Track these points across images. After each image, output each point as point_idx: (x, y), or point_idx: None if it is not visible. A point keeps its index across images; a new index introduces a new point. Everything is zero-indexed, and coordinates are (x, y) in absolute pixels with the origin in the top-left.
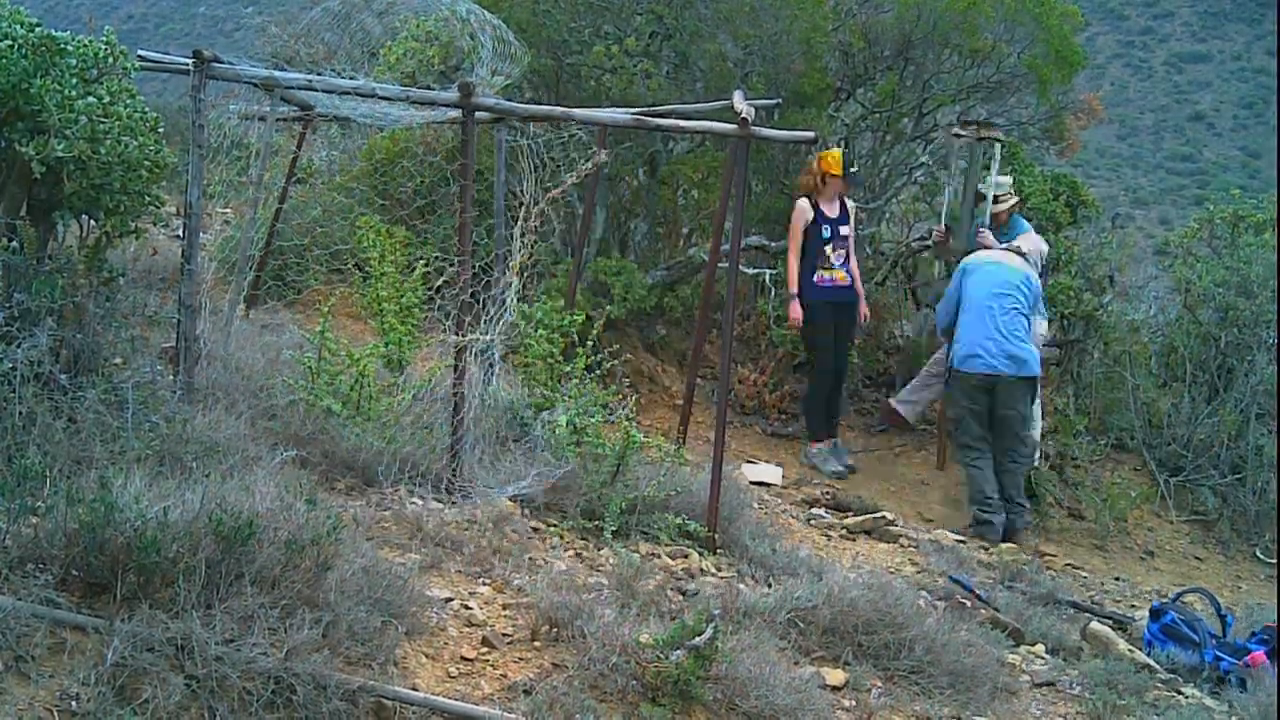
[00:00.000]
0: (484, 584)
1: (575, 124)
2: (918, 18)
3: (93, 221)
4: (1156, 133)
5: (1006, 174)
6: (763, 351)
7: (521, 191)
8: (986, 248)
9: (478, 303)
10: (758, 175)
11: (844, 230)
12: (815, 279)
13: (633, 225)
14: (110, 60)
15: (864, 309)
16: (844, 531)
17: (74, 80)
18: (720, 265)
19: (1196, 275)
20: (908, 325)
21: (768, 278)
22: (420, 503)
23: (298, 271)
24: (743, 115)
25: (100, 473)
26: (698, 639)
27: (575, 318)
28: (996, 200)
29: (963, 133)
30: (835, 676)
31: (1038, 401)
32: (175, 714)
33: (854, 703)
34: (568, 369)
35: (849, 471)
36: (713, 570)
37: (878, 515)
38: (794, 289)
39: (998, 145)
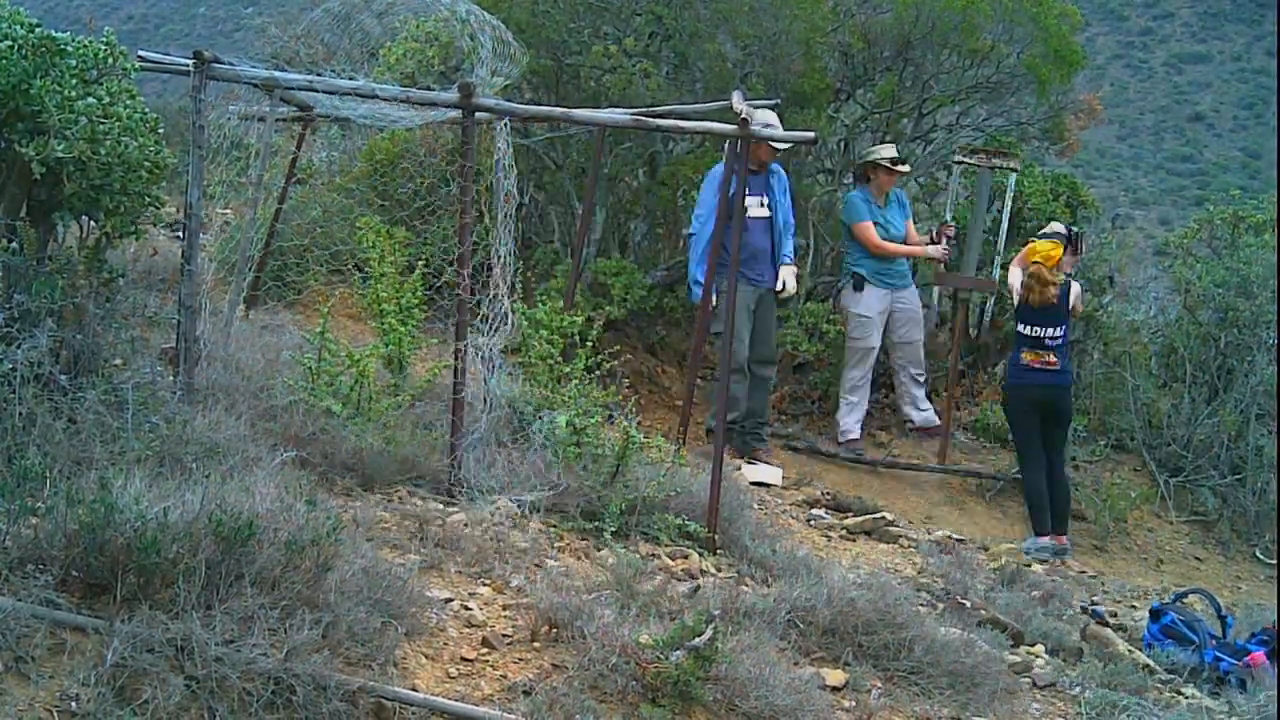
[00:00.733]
0: (484, 584)
1: (575, 124)
2: (917, 18)
3: (93, 222)
4: (1156, 133)
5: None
6: None
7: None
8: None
9: (477, 303)
10: None
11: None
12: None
13: (632, 226)
14: (110, 61)
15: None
16: (844, 532)
17: (74, 81)
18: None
19: (1196, 276)
20: None
21: None
22: (420, 503)
23: (298, 272)
24: (742, 116)
25: (100, 473)
26: (698, 639)
27: (574, 319)
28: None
29: (968, 159)
30: (835, 677)
31: None
32: (175, 715)
33: (854, 703)
34: (567, 370)
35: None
36: (713, 570)
37: (878, 516)
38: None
39: (1012, 175)
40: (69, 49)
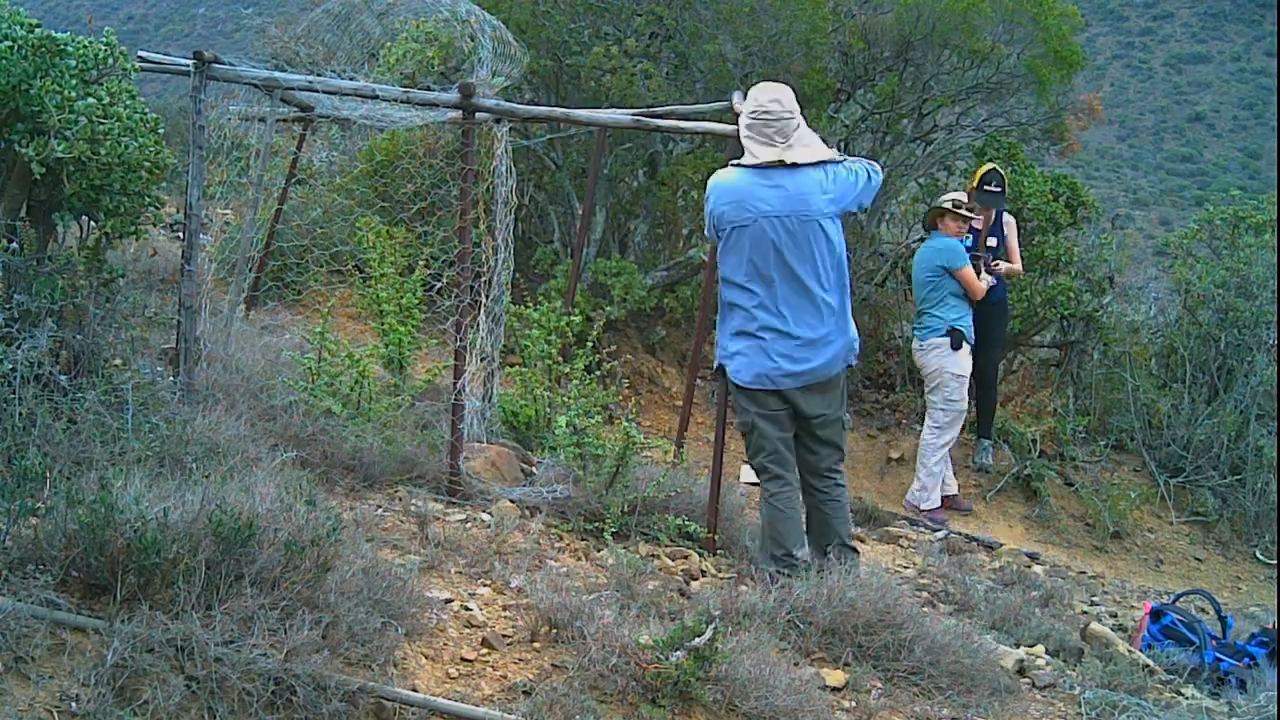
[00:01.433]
0: (484, 585)
1: (575, 125)
2: (917, 19)
3: (93, 222)
4: (1156, 133)
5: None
6: None
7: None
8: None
9: (477, 304)
10: None
11: (990, 241)
12: None
13: (633, 226)
14: (110, 61)
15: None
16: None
17: (74, 81)
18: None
19: (1196, 276)
20: (908, 326)
21: None
22: (420, 504)
23: (298, 273)
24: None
25: (100, 474)
26: (697, 640)
27: (573, 320)
28: None
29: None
30: (835, 677)
31: None
32: (175, 715)
33: (854, 704)
34: (567, 370)
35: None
36: (713, 571)
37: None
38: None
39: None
40: (69, 49)
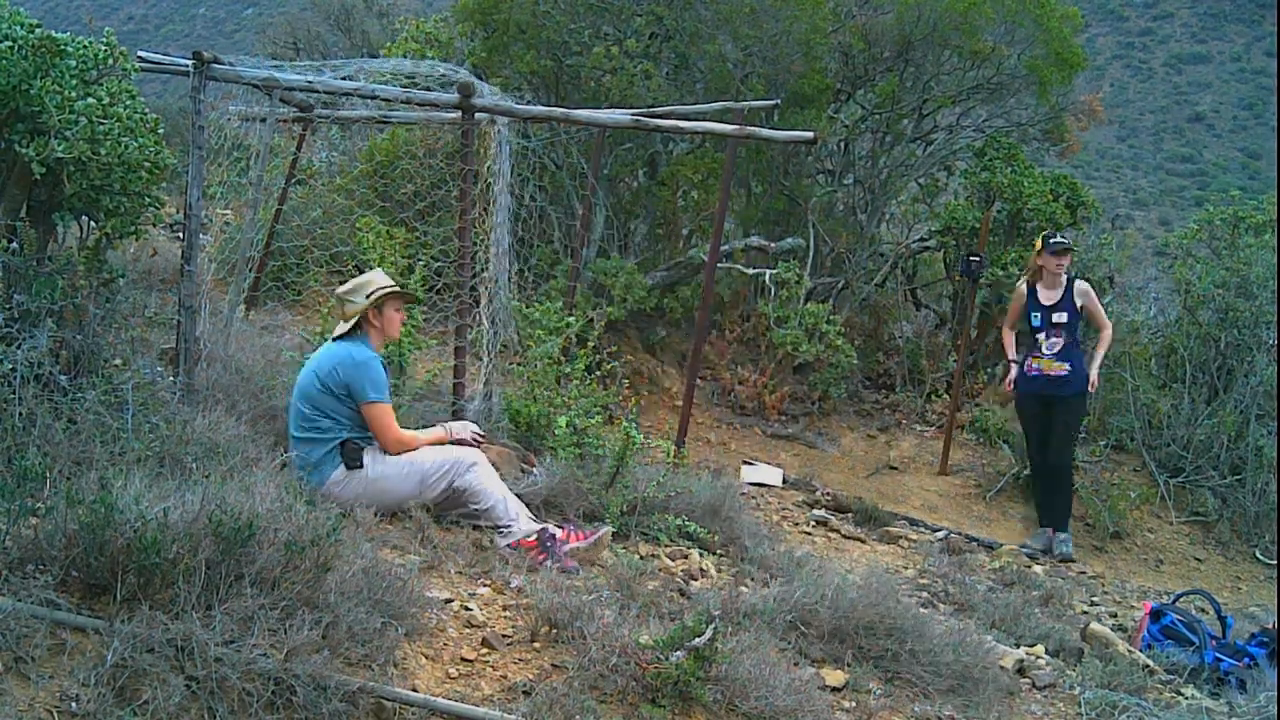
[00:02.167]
0: (484, 585)
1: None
2: (917, 19)
3: (93, 223)
4: (1156, 134)
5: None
6: (763, 353)
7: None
8: None
9: (477, 303)
10: (757, 176)
11: (1058, 317)
12: (1025, 367)
13: (633, 226)
14: (110, 61)
15: (1093, 378)
16: (844, 533)
17: (74, 81)
18: (720, 265)
19: (1196, 276)
20: (908, 326)
21: (768, 278)
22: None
23: (297, 273)
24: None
25: (100, 474)
26: (698, 640)
27: (573, 320)
28: None
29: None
30: (835, 677)
31: None
32: (175, 715)
33: (854, 704)
34: (567, 370)
35: (1063, 558)
36: (713, 571)
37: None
38: (1010, 355)
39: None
40: (69, 49)
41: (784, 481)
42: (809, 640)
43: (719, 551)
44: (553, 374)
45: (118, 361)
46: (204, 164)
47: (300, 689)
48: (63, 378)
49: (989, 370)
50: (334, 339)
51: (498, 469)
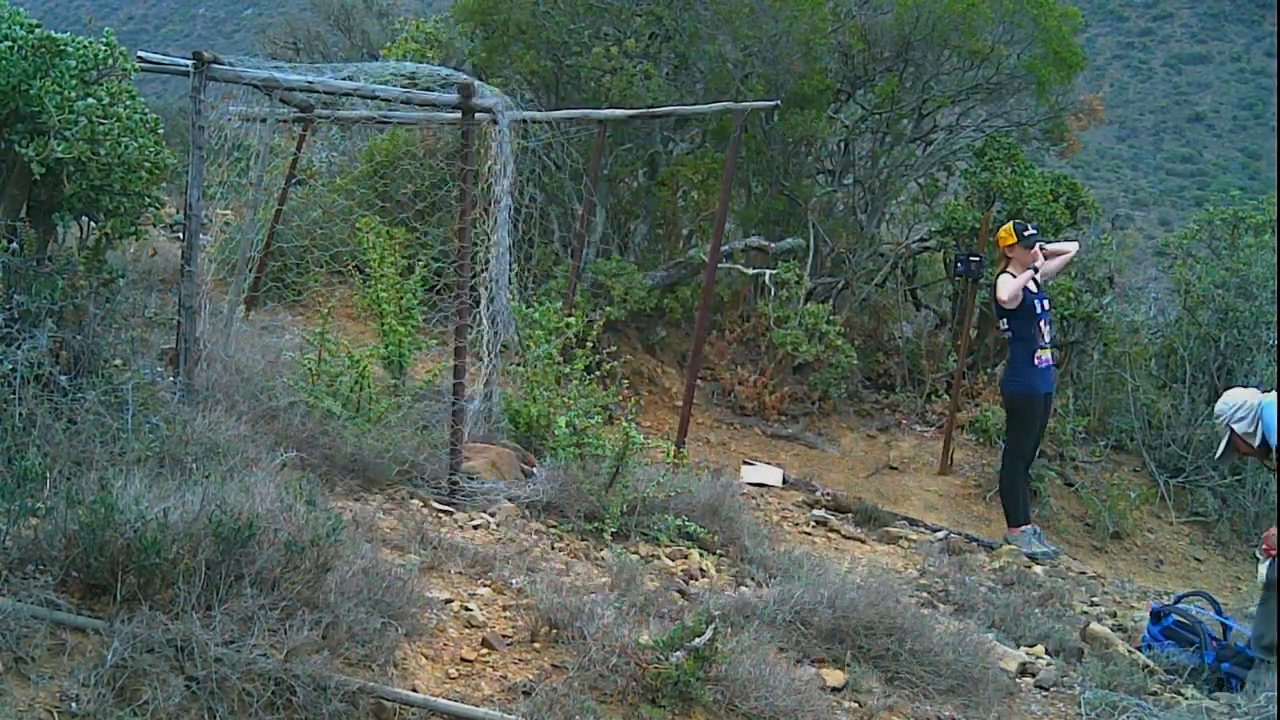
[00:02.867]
0: (484, 585)
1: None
2: (917, 19)
3: (93, 223)
4: (1156, 134)
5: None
6: (763, 353)
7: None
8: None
9: (477, 304)
10: (757, 177)
11: (1047, 304)
12: (1035, 360)
13: (633, 226)
14: (110, 61)
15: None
16: (844, 533)
17: (74, 81)
18: (720, 265)
19: (1196, 277)
20: (908, 326)
21: (768, 278)
22: (420, 504)
23: (298, 273)
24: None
25: (100, 474)
26: (697, 640)
27: (573, 320)
28: None
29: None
30: (835, 677)
31: None
32: (175, 715)
33: (854, 704)
34: (567, 370)
35: (1056, 554)
36: (712, 571)
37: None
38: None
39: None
40: (69, 49)
41: (784, 481)
42: (809, 640)
43: (719, 551)
44: (552, 374)
45: (118, 362)
46: (204, 164)
47: (300, 689)
48: (63, 378)
49: (989, 370)
50: None
51: (498, 469)
